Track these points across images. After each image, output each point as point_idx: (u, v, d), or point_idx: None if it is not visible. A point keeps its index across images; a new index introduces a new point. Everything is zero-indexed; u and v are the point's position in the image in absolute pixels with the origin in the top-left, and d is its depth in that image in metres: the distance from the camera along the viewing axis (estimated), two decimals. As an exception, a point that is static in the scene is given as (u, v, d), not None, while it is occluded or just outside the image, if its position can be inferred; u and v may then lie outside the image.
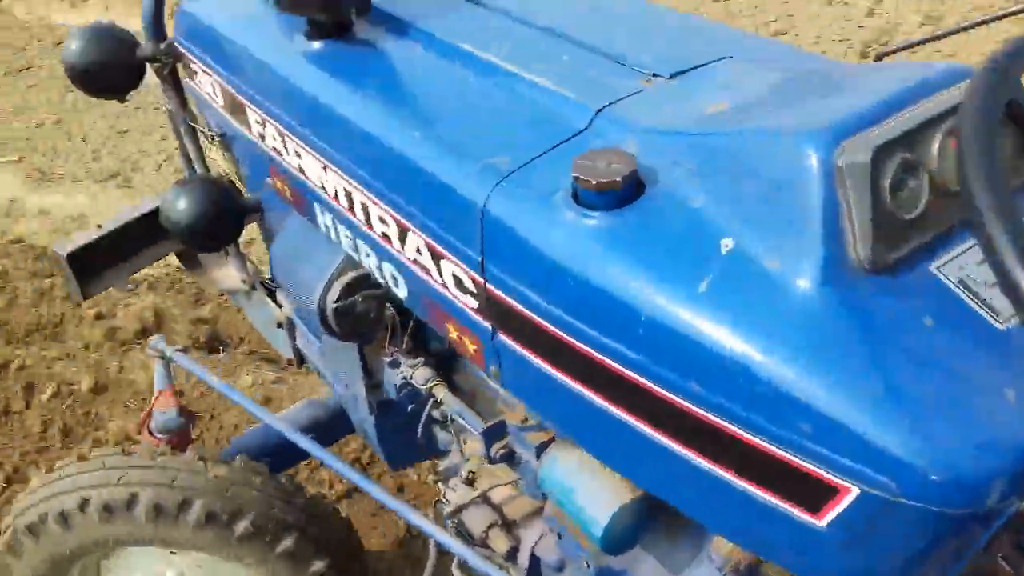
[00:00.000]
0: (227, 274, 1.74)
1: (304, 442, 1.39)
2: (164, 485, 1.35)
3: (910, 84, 0.86)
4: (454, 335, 1.12)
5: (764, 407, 0.76)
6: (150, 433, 1.55)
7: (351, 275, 1.32)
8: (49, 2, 5.45)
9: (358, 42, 1.28)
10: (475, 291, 1.02)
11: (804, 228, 0.78)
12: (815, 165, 0.78)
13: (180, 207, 1.38)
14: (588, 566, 1.19)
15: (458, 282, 1.04)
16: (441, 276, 1.08)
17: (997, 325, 0.78)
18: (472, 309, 1.04)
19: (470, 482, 1.34)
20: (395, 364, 1.39)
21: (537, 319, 0.94)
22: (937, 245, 0.82)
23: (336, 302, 1.31)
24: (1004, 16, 1.13)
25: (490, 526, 1.29)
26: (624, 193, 0.88)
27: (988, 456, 0.69)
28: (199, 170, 1.66)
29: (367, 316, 1.35)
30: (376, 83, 1.19)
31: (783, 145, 0.81)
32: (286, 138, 1.30)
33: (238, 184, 1.63)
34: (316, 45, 1.27)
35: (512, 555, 1.28)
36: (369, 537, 2.01)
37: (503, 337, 1.01)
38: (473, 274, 1.01)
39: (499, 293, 0.98)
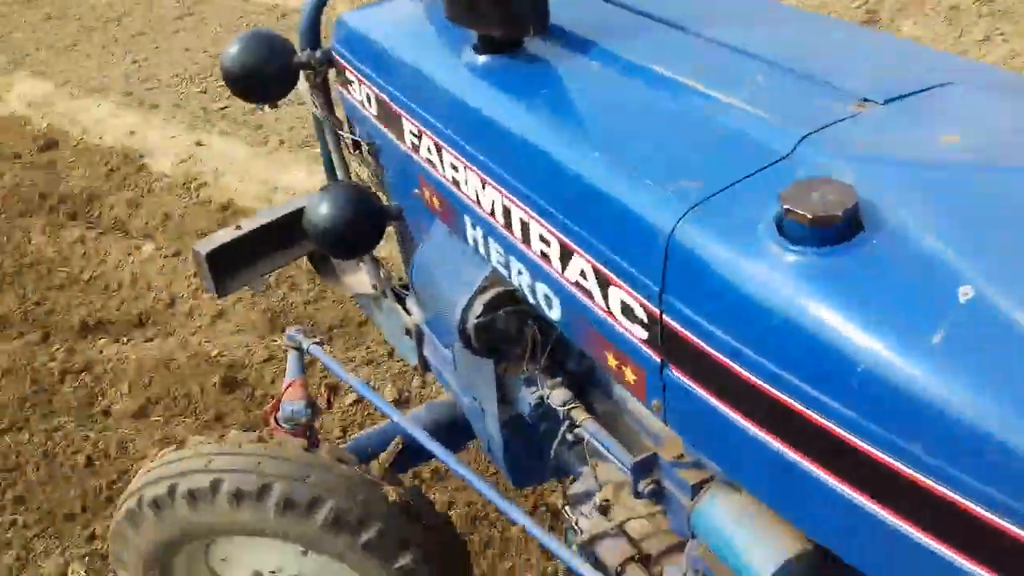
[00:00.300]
0: (359, 279, 1.76)
1: (436, 448, 1.37)
2: (299, 480, 1.35)
3: None
4: (613, 363, 1.07)
5: (1002, 481, 0.68)
6: (276, 422, 1.55)
7: (495, 291, 1.29)
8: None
9: (530, 58, 1.24)
10: (647, 321, 0.97)
11: None
12: None
13: (323, 212, 1.38)
14: None
15: (627, 310, 0.99)
16: (607, 303, 1.03)
17: None
18: (640, 339, 0.99)
19: (604, 511, 1.30)
20: (531, 382, 1.36)
21: (721, 358, 0.88)
22: None
23: (478, 318, 1.28)
24: None
25: (628, 560, 1.24)
26: (842, 229, 0.81)
27: None
28: (341, 176, 1.67)
29: (507, 333, 1.32)
30: (550, 100, 1.15)
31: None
32: (443, 150, 1.28)
33: (379, 192, 1.63)
34: (485, 59, 1.24)
35: None
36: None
37: (674, 371, 0.96)
38: (648, 304, 0.95)
39: (676, 326, 0.92)
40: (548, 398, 1.31)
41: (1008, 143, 0.84)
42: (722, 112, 1.02)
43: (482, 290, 1.30)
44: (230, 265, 1.70)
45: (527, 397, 1.37)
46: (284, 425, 1.53)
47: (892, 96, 0.98)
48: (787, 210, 0.81)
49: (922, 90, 0.99)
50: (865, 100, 0.99)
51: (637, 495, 1.16)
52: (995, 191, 0.77)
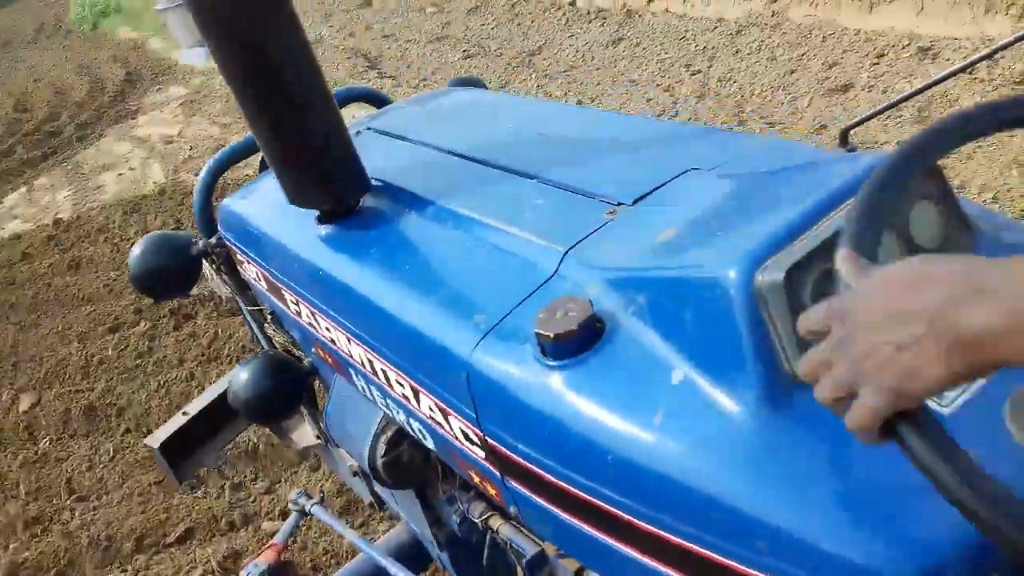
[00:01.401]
0: (303, 432, 1.86)
1: (396, 570, 1.46)
2: None
3: (833, 188, 0.89)
4: (476, 480, 1.19)
5: (727, 530, 0.79)
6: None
7: (392, 431, 1.41)
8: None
9: (362, 220, 1.39)
10: (479, 443, 1.09)
11: (738, 351, 0.83)
12: (736, 291, 0.83)
13: (243, 386, 1.52)
14: None
15: (465, 436, 1.12)
16: (452, 430, 1.15)
17: (942, 410, 0.79)
18: (482, 459, 1.11)
19: None
20: (452, 501, 1.46)
21: (530, 466, 1.00)
22: None
23: (383, 457, 1.40)
24: (961, 70, 1.13)
25: None
26: (582, 340, 0.94)
27: (936, 553, 0.70)
28: (265, 346, 1.82)
29: (415, 464, 1.42)
30: (376, 257, 1.30)
31: (708, 276, 0.86)
32: (316, 315, 1.42)
33: (298, 353, 1.75)
34: (326, 229, 1.40)
35: None
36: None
37: (511, 482, 1.07)
38: (475, 428, 1.08)
39: (495, 444, 1.04)
40: (468, 512, 1.40)
41: (709, 228, 0.96)
42: (504, 240, 1.16)
43: (381, 431, 1.41)
44: (184, 450, 1.82)
45: (452, 515, 1.47)
46: None
47: (638, 195, 1.11)
48: (537, 333, 0.95)
49: (664, 183, 1.12)
50: (619, 204, 1.12)
51: None
52: (687, 284, 0.89)
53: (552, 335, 0.93)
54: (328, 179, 1.31)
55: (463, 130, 1.54)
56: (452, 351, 1.07)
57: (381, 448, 1.41)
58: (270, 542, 1.71)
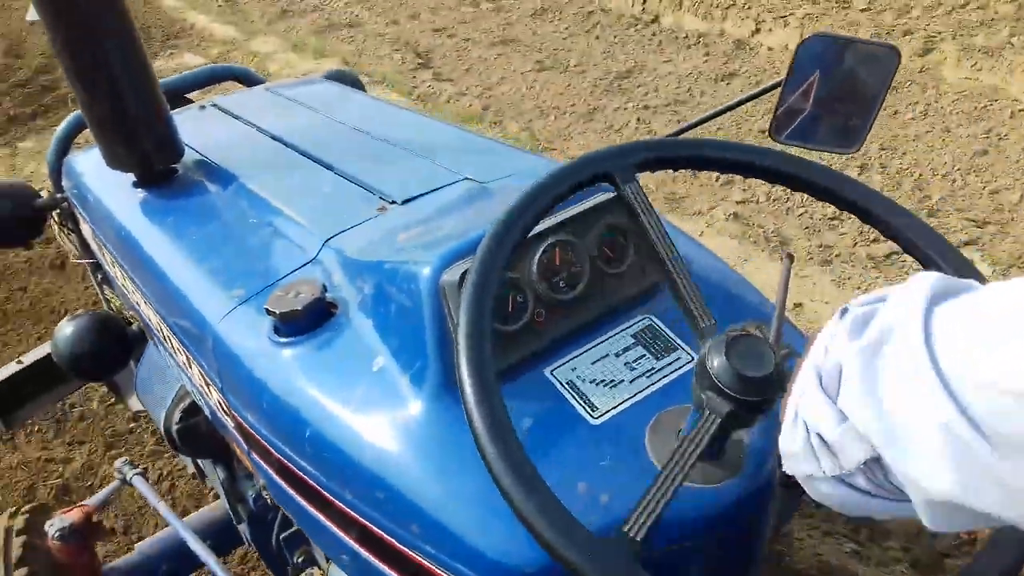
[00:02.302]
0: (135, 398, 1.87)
1: (202, 552, 1.44)
2: None
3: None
4: (237, 453, 1.22)
5: (389, 509, 0.84)
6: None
7: (190, 400, 1.42)
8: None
9: (172, 189, 1.43)
10: (227, 414, 1.13)
11: (424, 342, 0.88)
12: (425, 286, 0.89)
13: (65, 342, 1.54)
14: None
15: (221, 406, 1.16)
16: (212, 400, 1.19)
17: (591, 420, 0.85)
18: (233, 429, 1.14)
19: None
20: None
21: (259, 439, 1.03)
22: (553, 350, 0.91)
23: (177, 423, 1.41)
24: (752, 97, 1.18)
25: None
26: (309, 321, 0.98)
27: None
28: (104, 307, 1.83)
29: (211, 436, 1.42)
30: (171, 224, 1.33)
31: (408, 274, 0.92)
32: (125, 277, 1.45)
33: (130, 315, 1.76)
34: (139, 194, 1.43)
35: None
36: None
37: (253, 454, 1.11)
38: (222, 398, 1.12)
39: (236, 416, 1.08)
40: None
41: (436, 234, 1.01)
42: (282, 223, 1.21)
43: (180, 399, 1.43)
44: (16, 399, 1.83)
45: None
46: (52, 535, 1.60)
47: (408, 196, 1.17)
48: (267, 309, 0.98)
49: (434, 189, 1.18)
50: (392, 202, 1.18)
51: (292, 567, 1.27)
52: (396, 279, 0.94)
53: (279, 312, 0.98)
54: (138, 145, 1.35)
55: (296, 120, 1.58)
56: (206, 320, 1.11)
57: (176, 415, 1.42)
58: (81, 502, 1.70)
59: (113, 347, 1.59)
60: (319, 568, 1.37)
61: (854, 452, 0.49)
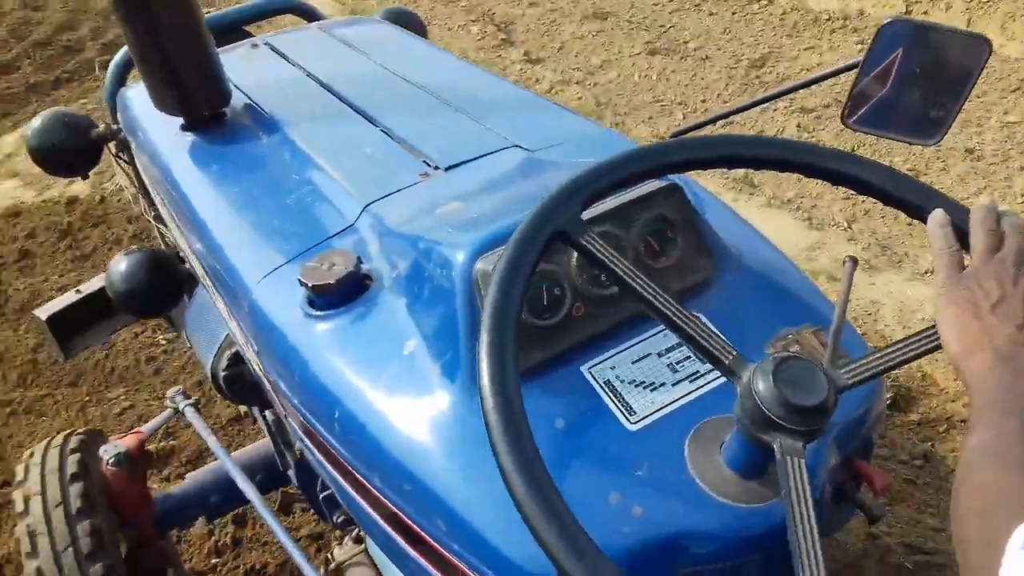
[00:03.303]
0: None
1: (247, 489, 1.46)
2: None
3: None
4: (279, 409, 1.23)
5: (416, 502, 0.83)
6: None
7: (237, 348, 1.41)
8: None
9: (219, 134, 1.41)
10: (264, 375, 1.12)
11: (457, 332, 0.85)
12: (458, 274, 0.85)
13: (119, 277, 1.55)
14: None
15: (259, 365, 1.15)
16: (252, 356, 1.18)
17: (628, 426, 0.81)
18: (271, 391, 1.14)
19: (359, 540, 1.39)
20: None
21: (291, 407, 1.03)
22: (591, 347, 0.86)
23: (224, 371, 1.42)
24: (823, 78, 1.10)
25: None
26: (343, 294, 0.96)
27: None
28: (160, 243, 1.84)
29: (257, 386, 1.41)
30: (216, 171, 1.32)
31: (443, 257, 0.88)
32: (173, 218, 1.45)
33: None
34: (186, 137, 1.41)
35: None
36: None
37: (290, 419, 1.11)
38: (257, 360, 1.11)
39: (271, 379, 1.08)
40: None
41: (483, 210, 0.97)
42: (323, 181, 1.18)
43: (228, 346, 1.43)
44: (73, 327, 1.86)
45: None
46: (107, 460, 1.66)
47: (452, 163, 1.13)
48: (299, 281, 0.97)
49: (481, 156, 1.13)
50: (436, 168, 1.13)
51: (334, 525, 1.29)
52: (431, 259, 0.91)
53: (311, 285, 0.96)
54: (183, 89, 1.33)
55: (348, 66, 1.54)
56: (243, 280, 1.10)
57: (223, 362, 1.43)
58: (136, 428, 1.77)
59: (166, 285, 1.60)
60: (359, 530, 1.38)
61: None
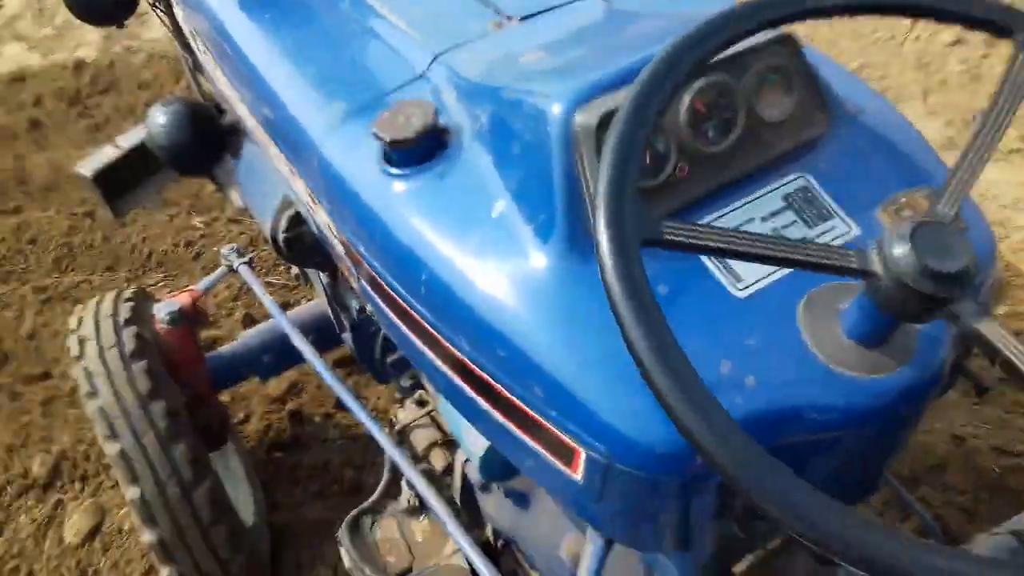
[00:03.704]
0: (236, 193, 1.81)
1: (302, 346, 1.44)
2: None
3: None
4: (345, 273, 1.19)
5: (510, 368, 0.80)
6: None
7: (296, 208, 1.35)
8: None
9: None
10: (335, 234, 1.08)
11: (552, 192, 0.79)
12: (554, 127, 0.78)
13: (157, 131, 1.49)
14: (498, 488, 1.25)
15: (328, 225, 1.11)
16: (319, 217, 1.14)
17: (735, 293, 0.77)
18: (341, 252, 1.11)
19: (422, 403, 1.41)
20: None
21: (366, 266, 0.99)
22: (693, 210, 0.81)
23: (284, 232, 1.35)
24: None
25: (431, 445, 1.36)
26: (422, 150, 0.90)
27: None
28: (196, 95, 1.76)
29: (317, 247, 1.37)
30: (268, 21, 1.23)
31: (534, 109, 0.81)
32: (219, 70, 1.36)
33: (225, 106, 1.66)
34: None
35: (448, 471, 1.35)
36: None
37: (361, 280, 1.08)
38: (328, 219, 1.07)
39: (344, 238, 1.04)
40: (368, 307, 1.37)
41: (570, 59, 0.89)
42: (388, 31, 1.09)
43: (286, 207, 1.36)
44: (121, 185, 1.79)
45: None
46: (161, 318, 1.66)
47: (529, 12, 1.03)
48: (374, 133, 0.90)
49: (557, 6, 1.03)
50: (508, 17, 1.04)
51: (400, 391, 1.28)
52: (517, 111, 0.84)
53: (389, 139, 0.90)
54: None
55: None
56: (309, 134, 1.03)
57: (283, 223, 1.36)
58: (190, 286, 1.75)
59: (207, 140, 1.54)
60: (427, 392, 1.38)
61: None
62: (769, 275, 0.77)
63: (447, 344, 0.87)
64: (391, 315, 0.99)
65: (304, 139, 1.04)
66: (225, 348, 1.80)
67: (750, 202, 0.82)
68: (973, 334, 0.59)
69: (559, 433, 0.77)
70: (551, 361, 0.76)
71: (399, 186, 0.91)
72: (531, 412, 0.80)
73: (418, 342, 0.95)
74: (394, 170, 0.91)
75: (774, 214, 0.82)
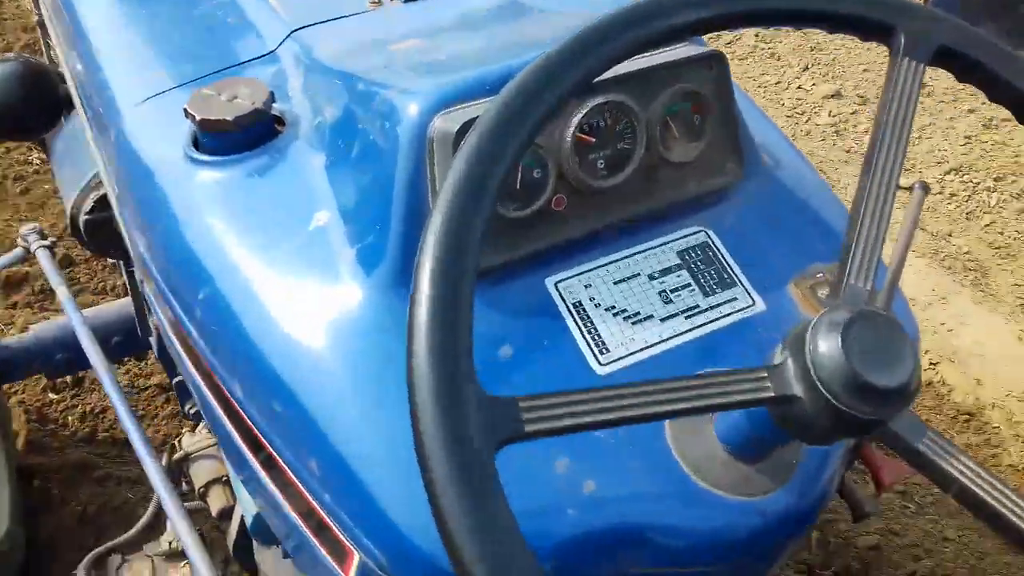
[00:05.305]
0: None
1: (90, 347, 1.19)
2: None
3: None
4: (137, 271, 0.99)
5: (284, 430, 0.62)
6: None
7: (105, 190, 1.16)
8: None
9: None
10: (124, 223, 0.89)
11: (389, 207, 0.62)
12: (405, 131, 0.62)
13: None
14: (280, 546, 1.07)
15: (119, 212, 0.91)
16: (114, 201, 0.94)
17: (596, 367, 0.61)
18: (129, 244, 0.91)
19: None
20: None
21: (149, 264, 0.79)
22: (565, 254, 0.66)
23: (87, 214, 1.16)
24: None
25: (212, 481, 1.14)
26: (242, 137, 0.72)
27: None
28: (46, 58, 1.55)
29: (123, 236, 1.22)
30: None
31: (388, 105, 0.64)
32: (54, 27, 1.17)
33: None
34: None
35: (225, 515, 1.12)
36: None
37: (145, 286, 0.89)
38: (118, 204, 0.88)
39: (130, 230, 0.84)
40: None
41: (443, 53, 0.75)
42: (253, 3, 0.91)
43: (94, 187, 1.17)
44: None
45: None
46: None
47: None
48: (184, 110, 0.72)
49: None
50: None
51: (185, 416, 1.09)
52: (369, 107, 0.68)
53: (199, 119, 0.71)
54: None
55: None
56: (115, 101, 0.85)
57: (87, 204, 1.16)
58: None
59: (40, 102, 1.31)
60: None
61: None
62: (641, 350, 0.62)
63: (219, 383, 0.68)
64: (167, 327, 0.79)
65: (109, 107, 0.85)
66: (12, 338, 1.52)
67: (639, 253, 0.67)
68: (922, 459, 0.43)
69: (332, 526, 0.59)
70: (340, 432, 0.58)
71: (203, 175, 0.72)
72: (303, 490, 0.61)
73: (194, 373, 0.75)
74: (200, 156, 0.73)
75: (665, 272, 0.66)
